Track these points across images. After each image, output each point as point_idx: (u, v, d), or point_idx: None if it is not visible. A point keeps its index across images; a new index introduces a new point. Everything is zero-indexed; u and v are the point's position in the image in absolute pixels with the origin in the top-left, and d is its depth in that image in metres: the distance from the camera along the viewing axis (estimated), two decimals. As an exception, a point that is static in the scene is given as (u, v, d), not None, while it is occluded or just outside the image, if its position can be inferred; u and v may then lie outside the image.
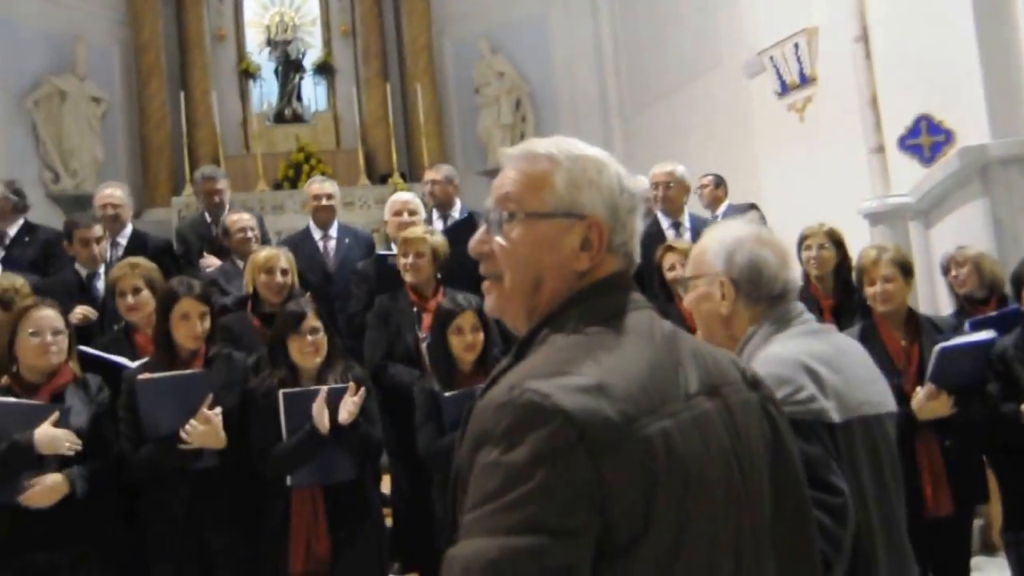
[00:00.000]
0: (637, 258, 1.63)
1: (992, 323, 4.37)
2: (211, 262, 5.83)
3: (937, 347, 3.87)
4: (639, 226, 1.64)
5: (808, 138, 8.24)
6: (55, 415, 3.67)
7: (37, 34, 11.36)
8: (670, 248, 4.93)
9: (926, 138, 7.42)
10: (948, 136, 7.52)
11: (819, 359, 2.12)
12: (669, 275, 4.81)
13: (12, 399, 3.74)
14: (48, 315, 3.86)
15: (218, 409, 3.88)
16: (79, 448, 3.69)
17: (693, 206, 6.95)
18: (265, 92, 13.32)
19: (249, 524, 4.02)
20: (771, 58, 8.49)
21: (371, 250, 6.10)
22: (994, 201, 6.36)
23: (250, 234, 5.88)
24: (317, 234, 6.33)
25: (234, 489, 3.99)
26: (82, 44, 11.72)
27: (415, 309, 4.75)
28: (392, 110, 12.54)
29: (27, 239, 6.31)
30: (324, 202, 6.35)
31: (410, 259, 4.78)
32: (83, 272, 5.45)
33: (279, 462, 3.85)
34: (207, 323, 4.09)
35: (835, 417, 2.07)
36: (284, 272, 4.82)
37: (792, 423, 1.75)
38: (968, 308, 4.88)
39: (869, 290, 4.17)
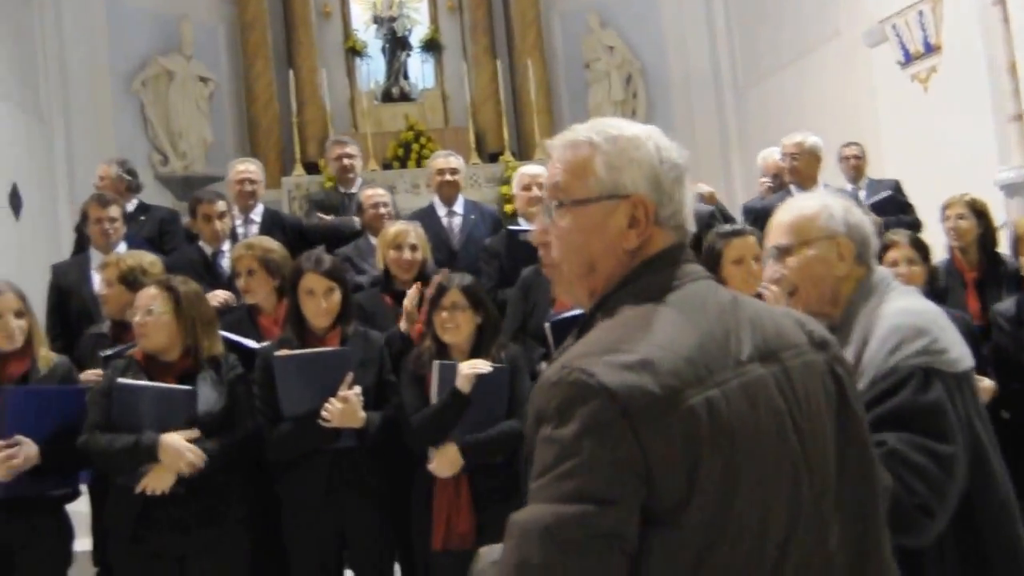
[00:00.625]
0: (691, 227, 1.69)
1: None
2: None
3: None
4: (688, 196, 1.68)
5: (933, 109, 8.01)
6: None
7: (143, 14, 11.43)
8: None
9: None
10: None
11: (936, 316, 2.22)
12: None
13: (141, 382, 3.74)
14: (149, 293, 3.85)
15: (358, 388, 3.83)
16: (200, 466, 3.63)
17: (831, 178, 6.79)
18: (372, 70, 13.26)
19: (385, 503, 4.03)
20: (893, 26, 8.23)
21: (497, 226, 5.98)
22: None
23: (383, 210, 5.76)
24: (442, 210, 6.21)
25: (372, 469, 3.98)
26: (188, 23, 11.77)
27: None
28: (501, 87, 12.46)
29: (142, 218, 6.35)
30: (448, 177, 6.24)
31: None
32: (207, 250, 5.51)
33: (420, 430, 3.84)
34: (335, 299, 4.02)
35: (960, 367, 2.15)
36: (414, 248, 4.72)
37: (929, 371, 2.06)
38: None
39: None
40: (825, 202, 2.36)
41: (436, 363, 3.82)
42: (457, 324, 3.87)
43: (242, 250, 4.58)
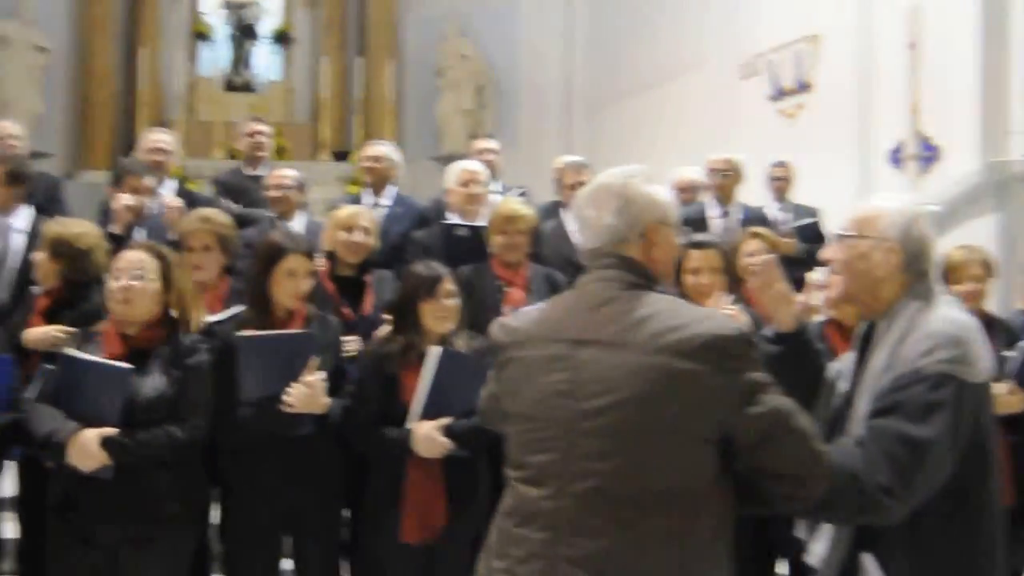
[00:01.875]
0: (593, 243, 2.25)
1: None
2: None
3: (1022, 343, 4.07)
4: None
5: (797, 145, 8.28)
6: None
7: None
8: (756, 235, 4.88)
9: (905, 153, 7.66)
10: (935, 153, 7.78)
11: (973, 328, 2.34)
12: (747, 260, 4.76)
13: (82, 355, 3.42)
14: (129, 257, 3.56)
15: (322, 373, 3.65)
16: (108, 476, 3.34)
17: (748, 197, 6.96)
18: (216, 56, 12.81)
19: (341, 495, 3.91)
20: (769, 62, 8.63)
21: (421, 220, 5.80)
22: (1008, 215, 6.59)
23: (290, 193, 5.56)
24: (369, 199, 5.91)
25: (330, 458, 3.83)
26: (29, -13, 11.03)
27: (499, 283, 4.59)
28: (350, 86, 12.27)
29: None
30: (370, 164, 6.02)
31: (510, 237, 4.60)
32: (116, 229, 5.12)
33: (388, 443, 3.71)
34: (310, 282, 3.86)
35: (979, 378, 2.28)
36: (366, 231, 4.56)
37: (948, 376, 2.19)
38: None
39: (956, 288, 4.27)
40: (898, 208, 2.45)
41: (437, 349, 3.66)
42: (451, 314, 3.78)
43: (197, 223, 4.30)
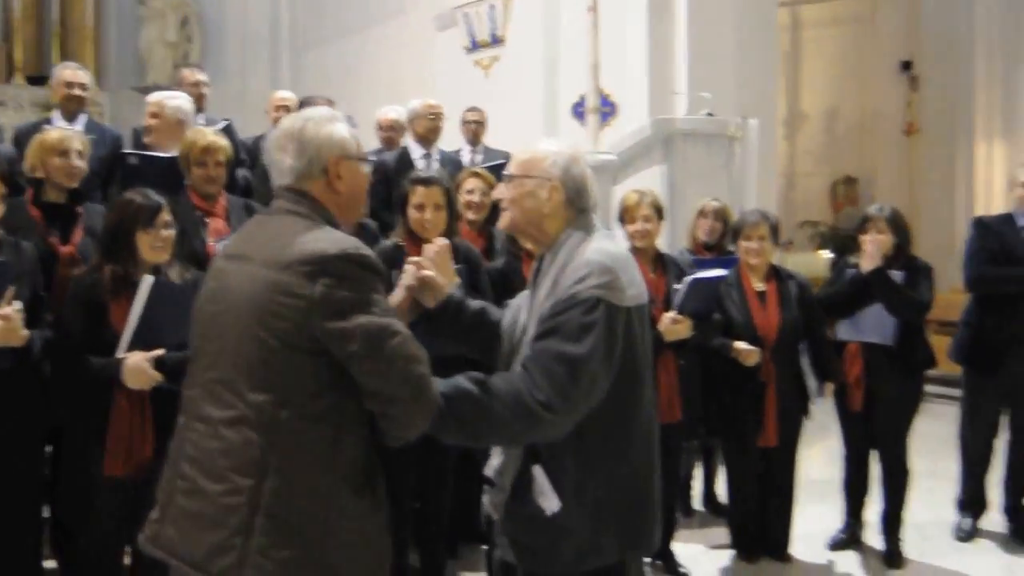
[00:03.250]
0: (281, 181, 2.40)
1: (716, 264, 5.07)
2: None
3: (689, 278, 4.53)
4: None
5: (491, 95, 8.82)
6: None
7: None
8: (476, 174, 5.17)
9: (587, 107, 8.30)
10: (613, 108, 8.56)
11: (624, 258, 2.59)
12: (467, 197, 5.04)
13: None
14: None
15: (18, 304, 3.49)
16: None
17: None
18: None
19: (45, 430, 3.86)
20: (465, 15, 9.09)
21: (116, 148, 5.66)
22: (671, 166, 7.28)
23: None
24: (61, 125, 5.55)
25: (32, 391, 3.76)
26: None
27: (199, 213, 4.48)
28: (46, 7, 11.72)
29: None
30: (76, 91, 5.89)
31: (209, 169, 4.45)
32: None
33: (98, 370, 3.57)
34: None
35: (629, 302, 2.48)
36: (80, 155, 4.35)
37: (597, 301, 2.38)
38: (696, 251, 5.55)
39: (629, 228, 4.76)
40: (556, 150, 2.63)
41: (150, 278, 3.53)
42: (167, 244, 3.74)
43: None
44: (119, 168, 5.11)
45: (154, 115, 5.22)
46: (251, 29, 12.38)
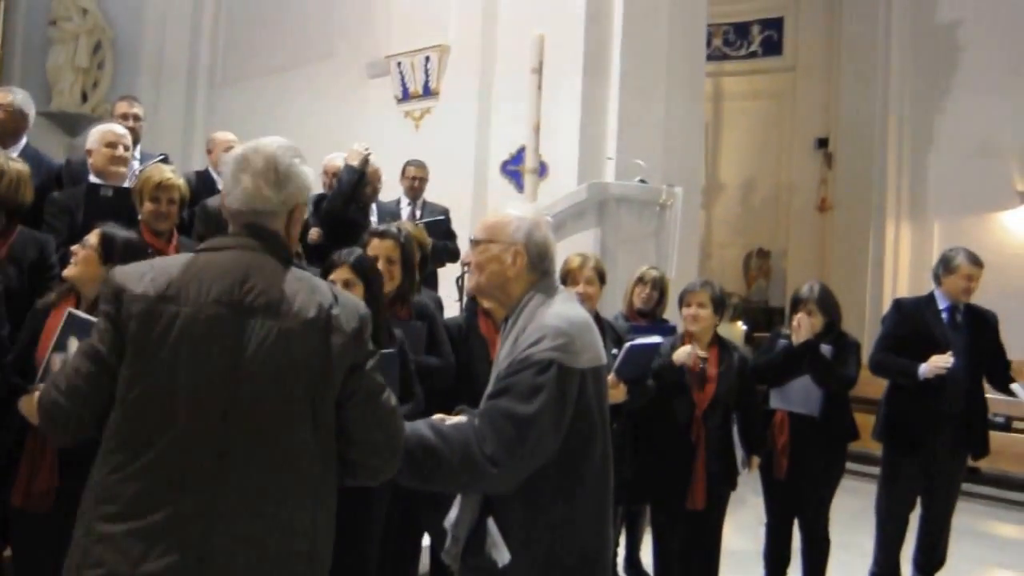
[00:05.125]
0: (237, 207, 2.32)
1: (653, 330, 5.13)
2: None
3: (628, 344, 4.54)
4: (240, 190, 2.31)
5: (421, 148, 8.64)
6: None
7: None
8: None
9: (525, 167, 8.29)
10: (543, 169, 8.51)
11: (582, 322, 2.70)
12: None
13: None
14: None
15: None
16: None
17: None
18: None
19: None
20: (399, 64, 8.98)
21: (55, 179, 5.44)
22: (605, 231, 7.32)
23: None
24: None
25: None
26: None
27: (150, 251, 4.15)
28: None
29: None
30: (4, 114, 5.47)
31: (162, 206, 4.45)
32: None
33: None
34: None
35: (583, 365, 2.60)
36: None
37: (549, 363, 2.50)
38: (631, 317, 5.59)
39: (573, 289, 4.72)
40: (520, 216, 2.79)
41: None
42: None
43: None
44: (87, 199, 4.82)
45: (111, 144, 5.13)
46: (167, 59, 12.05)
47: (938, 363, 5.32)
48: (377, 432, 2.28)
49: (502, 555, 2.56)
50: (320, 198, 6.23)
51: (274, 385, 2.16)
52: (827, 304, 5.23)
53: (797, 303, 5.25)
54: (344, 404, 2.24)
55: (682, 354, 4.83)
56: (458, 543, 2.69)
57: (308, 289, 2.26)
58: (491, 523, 2.60)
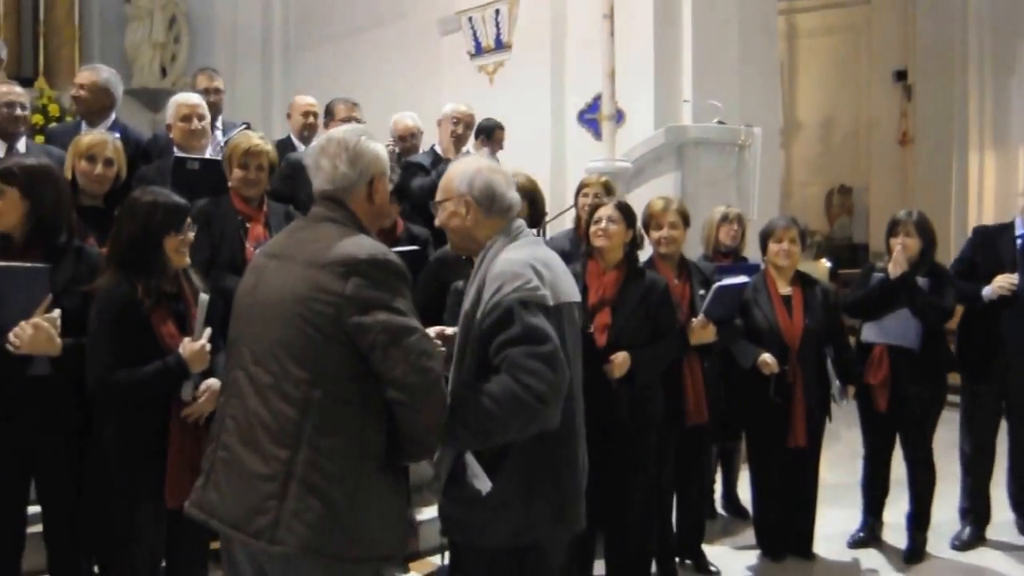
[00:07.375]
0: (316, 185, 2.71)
1: (737, 270, 5.22)
2: None
3: (715, 285, 4.61)
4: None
5: (496, 100, 8.72)
6: None
7: None
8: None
9: (602, 114, 8.29)
10: (620, 116, 8.51)
11: (540, 262, 2.79)
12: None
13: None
14: None
15: (56, 312, 3.30)
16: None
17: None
18: None
19: (76, 438, 3.56)
20: (469, 19, 9.02)
21: (144, 154, 5.48)
22: (684, 174, 7.30)
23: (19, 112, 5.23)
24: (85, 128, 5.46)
25: (66, 400, 3.49)
26: None
27: (240, 218, 4.46)
28: (24, 7, 11.43)
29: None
30: (85, 92, 5.58)
31: (251, 172, 4.45)
32: None
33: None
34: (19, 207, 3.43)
35: (550, 301, 2.71)
36: (109, 162, 4.34)
37: (522, 302, 2.61)
38: (714, 258, 5.65)
39: (655, 234, 4.80)
40: (461, 167, 2.94)
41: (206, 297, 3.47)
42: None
43: None
44: (174, 172, 4.85)
45: (187, 118, 5.23)
46: (241, 28, 12.17)
47: (1002, 283, 5.30)
48: (403, 369, 2.42)
49: (484, 484, 2.72)
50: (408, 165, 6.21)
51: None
52: (924, 228, 5.22)
53: (894, 226, 5.25)
54: (363, 346, 2.44)
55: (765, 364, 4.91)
56: (440, 479, 2.81)
57: (348, 244, 2.51)
58: (469, 456, 2.74)
